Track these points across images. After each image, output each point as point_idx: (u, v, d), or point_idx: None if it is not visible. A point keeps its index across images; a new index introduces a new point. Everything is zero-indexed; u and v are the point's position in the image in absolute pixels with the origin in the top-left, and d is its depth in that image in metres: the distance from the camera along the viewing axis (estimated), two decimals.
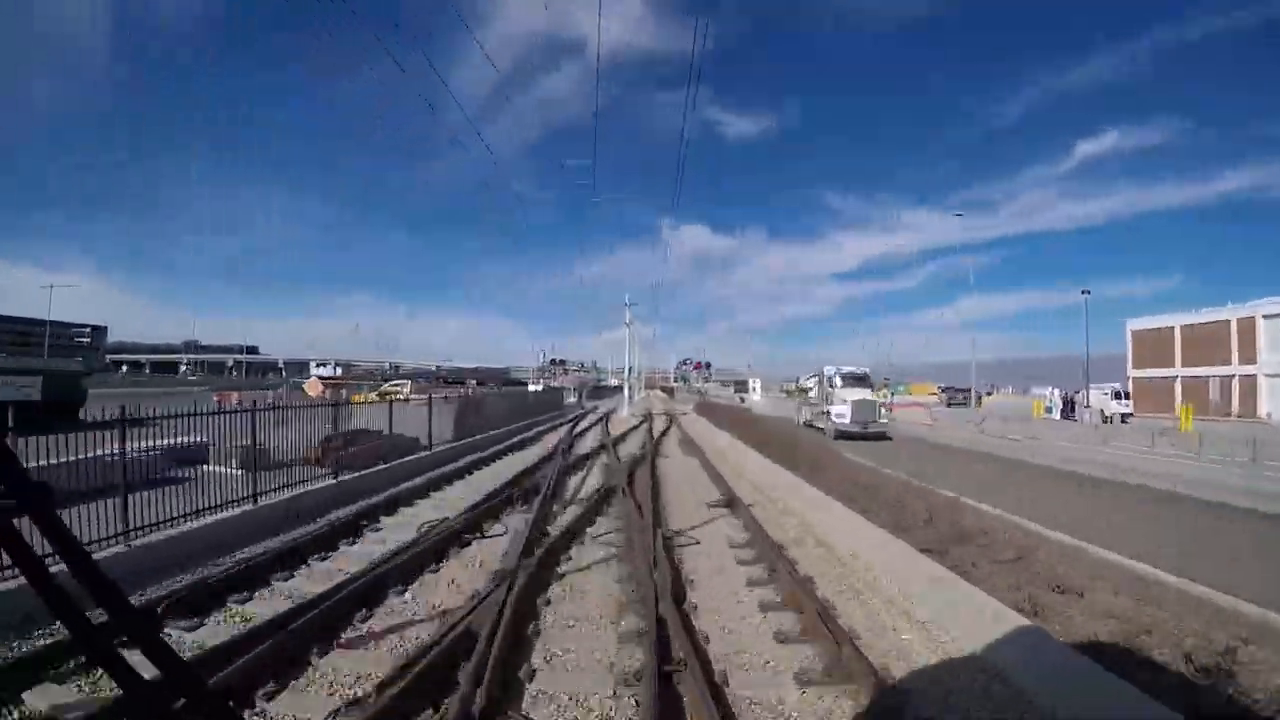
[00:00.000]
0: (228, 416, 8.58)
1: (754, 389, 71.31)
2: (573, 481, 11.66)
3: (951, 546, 7.90)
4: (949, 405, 53.68)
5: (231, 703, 3.17)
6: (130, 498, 6.35)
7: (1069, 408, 40.00)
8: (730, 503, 9.64)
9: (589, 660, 4.46)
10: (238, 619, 5.16)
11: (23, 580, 1.14)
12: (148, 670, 0.92)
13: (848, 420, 23.74)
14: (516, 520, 8.35)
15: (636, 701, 3.87)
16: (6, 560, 3.64)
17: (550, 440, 19.58)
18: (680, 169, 57.74)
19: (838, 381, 27.21)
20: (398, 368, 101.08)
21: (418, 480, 11.04)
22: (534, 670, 4.32)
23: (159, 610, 4.90)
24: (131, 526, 6.31)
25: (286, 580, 6.10)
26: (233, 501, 7.78)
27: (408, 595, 5.76)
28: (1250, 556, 8.08)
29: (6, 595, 4.61)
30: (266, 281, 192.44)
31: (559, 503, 9.65)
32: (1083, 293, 42.62)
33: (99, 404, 8.67)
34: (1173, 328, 43.56)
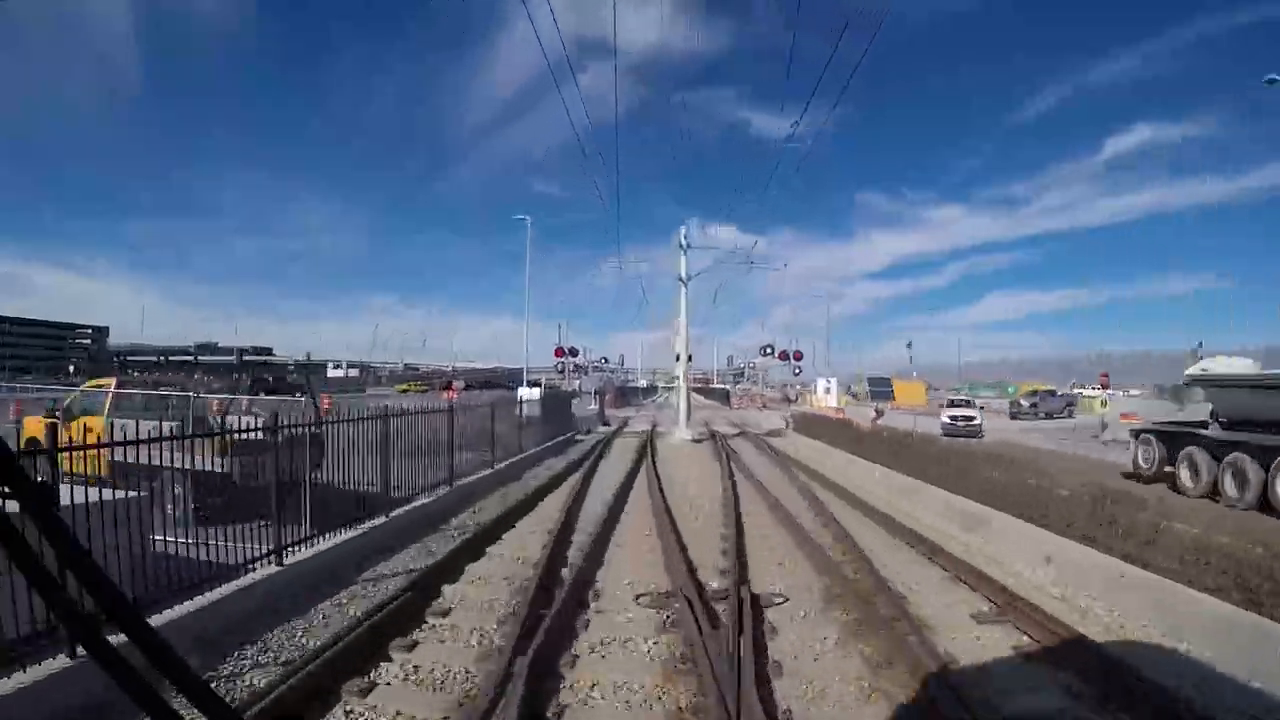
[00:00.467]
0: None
1: (826, 389, 55.58)
2: None
3: None
4: (1025, 412, 41.17)
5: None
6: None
7: None
8: None
9: None
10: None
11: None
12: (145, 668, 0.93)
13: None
14: None
15: None
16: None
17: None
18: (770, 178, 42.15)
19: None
20: (415, 369, 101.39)
21: None
22: None
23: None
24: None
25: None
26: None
27: None
28: None
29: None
30: (281, 283, 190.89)
31: None
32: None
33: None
34: None
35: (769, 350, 48.73)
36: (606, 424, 29.82)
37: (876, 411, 32.95)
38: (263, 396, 10.57)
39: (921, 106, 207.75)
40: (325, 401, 15.79)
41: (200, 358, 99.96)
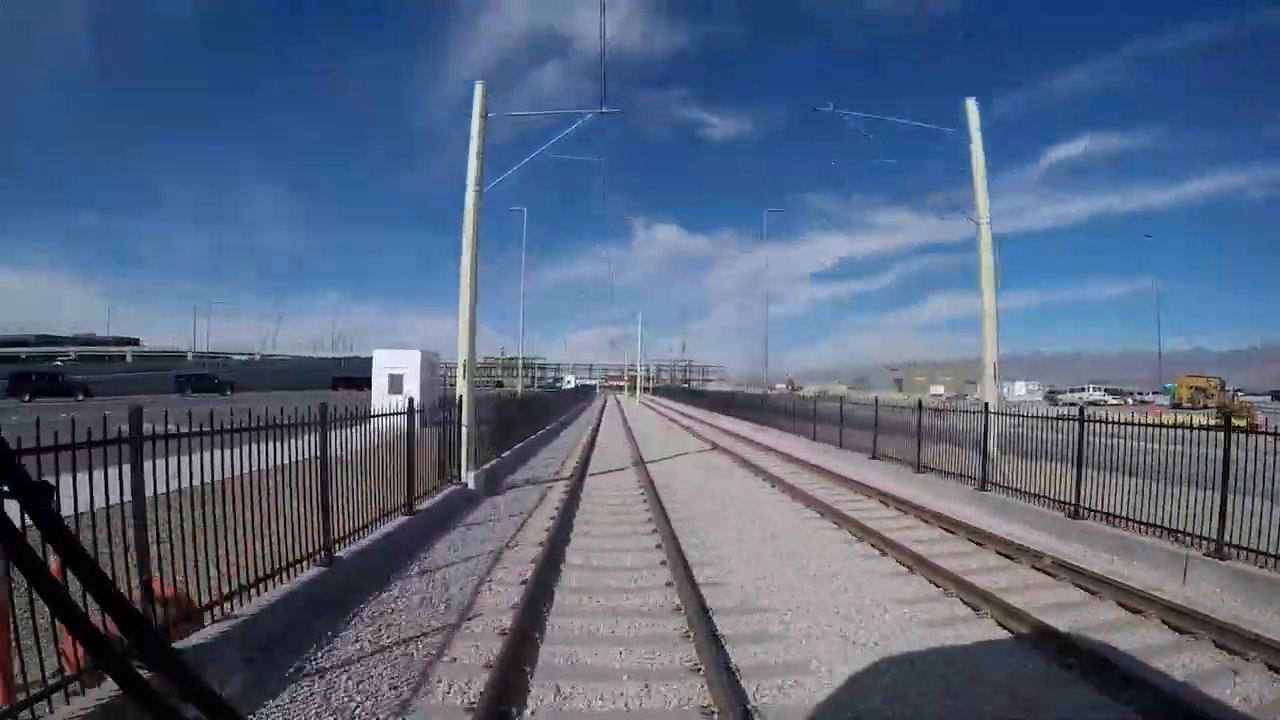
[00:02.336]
0: None
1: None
2: None
3: None
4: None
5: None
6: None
7: None
8: None
9: None
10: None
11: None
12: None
13: None
14: None
15: None
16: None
17: None
18: None
19: None
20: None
21: None
22: None
23: None
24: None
25: None
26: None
27: None
28: None
29: None
30: (228, 278, 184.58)
31: None
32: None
33: None
34: None
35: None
36: None
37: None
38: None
39: (875, 110, 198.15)
40: None
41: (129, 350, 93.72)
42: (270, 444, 5.42)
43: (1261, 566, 6.08)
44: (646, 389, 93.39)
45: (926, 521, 9.22)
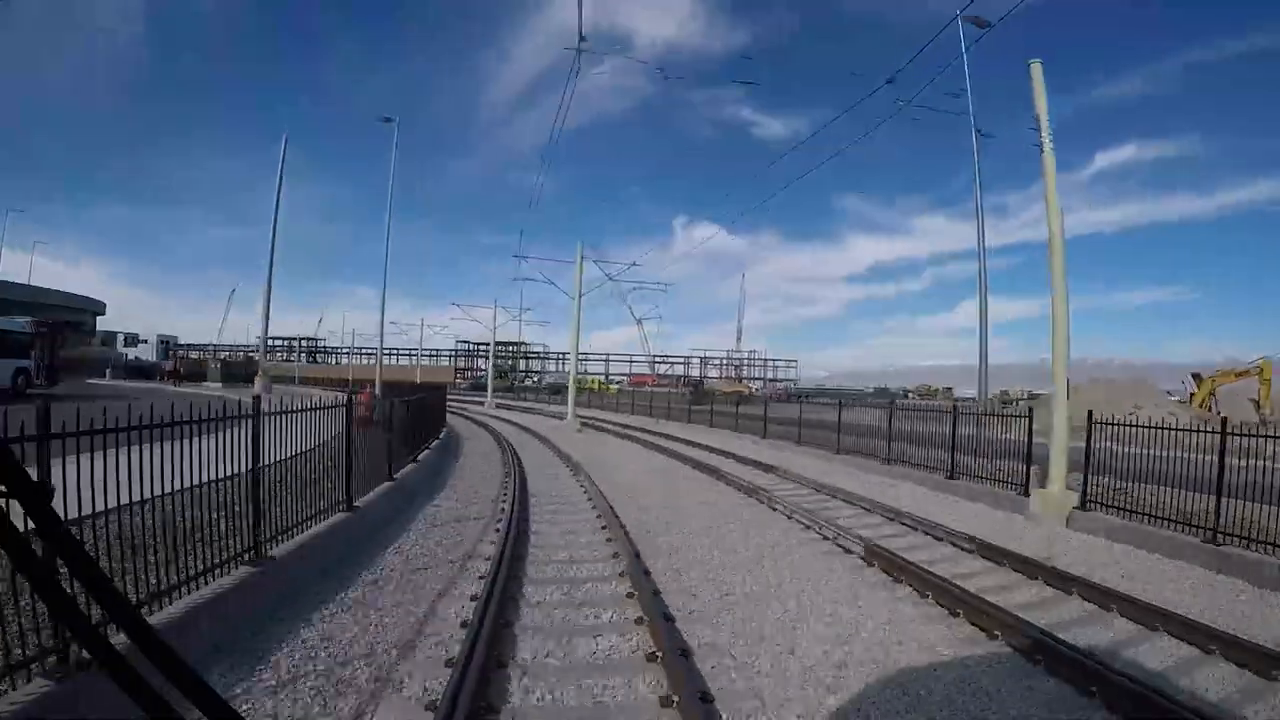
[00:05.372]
0: None
1: None
2: None
3: None
4: None
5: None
6: None
7: None
8: None
9: None
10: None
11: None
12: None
13: None
14: None
15: None
16: None
17: None
18: None
19: None
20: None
21: None
22: None
23: None
24: None
25: None
26: None
27: None
28: None
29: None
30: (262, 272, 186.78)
31: None
32: None
33: None
34: None
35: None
36: None
37: None
38: None
39: (918, 114, 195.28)
40: None
41: None
42: None
43: None
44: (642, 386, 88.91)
45: None
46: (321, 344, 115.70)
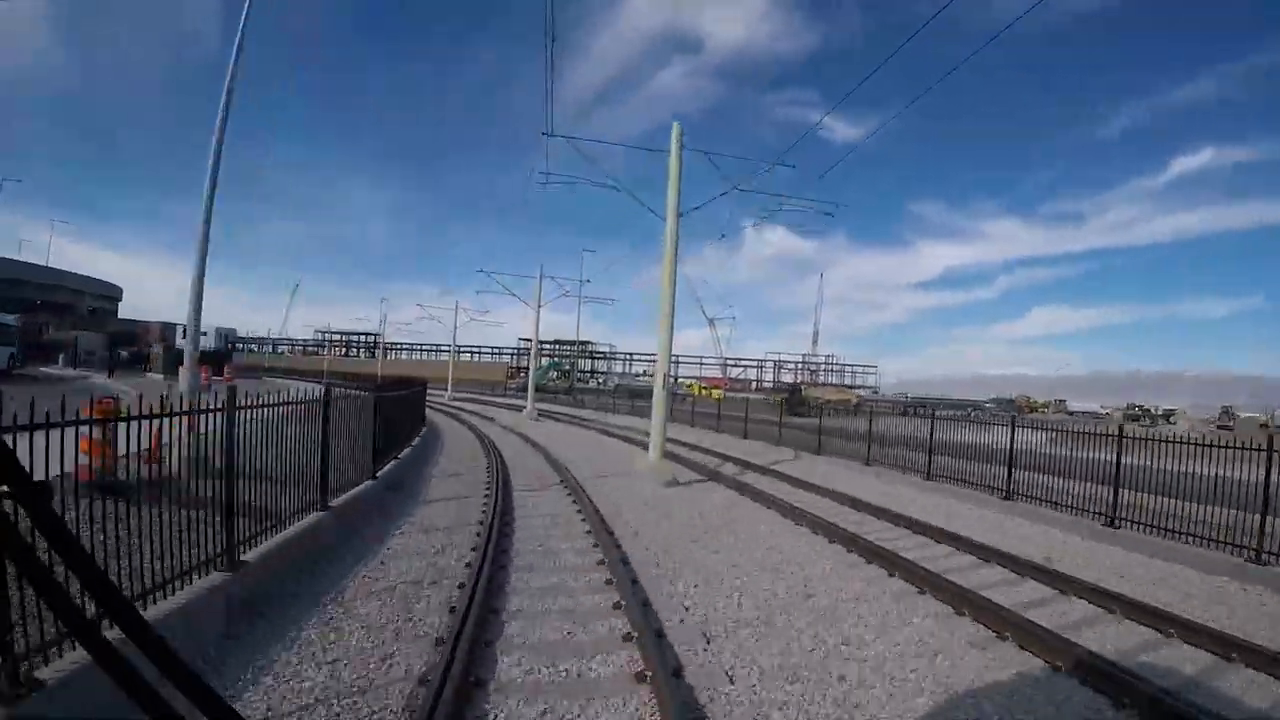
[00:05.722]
0: None
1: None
2: None
3: None
4: None
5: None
6: None
7: None
8: None
9: None
10: None
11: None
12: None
13: None
14: None
15: None
16: None
17: None
18: None
19: None
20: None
21: None
22: None
23: None
24: None
25: None
26: None
27: None
28: None
29: None
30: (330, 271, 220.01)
31: None
32: None
33: None
34: None
35: None
36: None
37: None
38: None
39: (990, 118, 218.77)
40: None
41: None
42: None
43: None
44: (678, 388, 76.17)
45: None
46: (377, 339, 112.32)
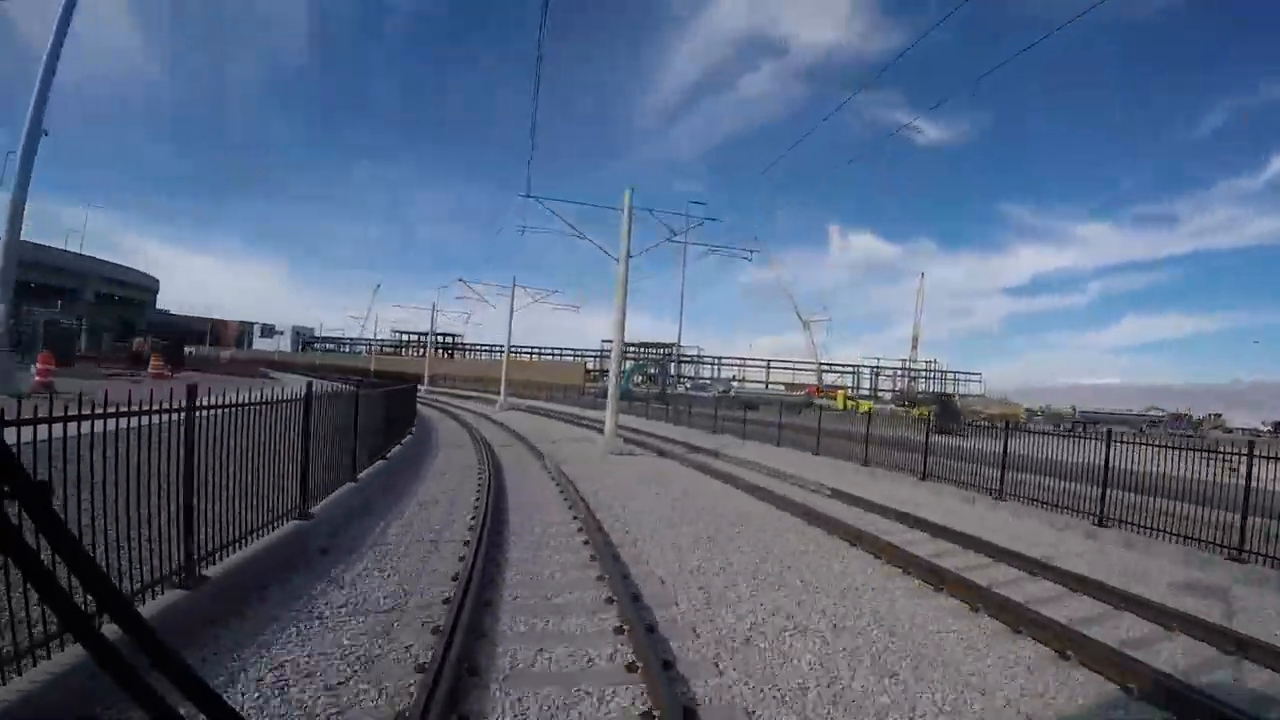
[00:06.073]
0: None
1: None
2: None
3: None
4: None
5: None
6: None
7: None
8: None
9: None
10: None
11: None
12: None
13: None
14: None
15: None
16: None
17: None
18: None
19: None
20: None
21: None
22: None
23: None
24: None
25: None
26: None
27: None
28: None
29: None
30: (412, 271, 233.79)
31: None
32: None
33: None
34: None
35: None
36: None
37: None
38: None
39: (1078, 118, 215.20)
40: None
41: None
42: None
43: None
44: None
45: None
46: (456, 339, 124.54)
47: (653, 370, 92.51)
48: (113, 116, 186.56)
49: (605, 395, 48.71)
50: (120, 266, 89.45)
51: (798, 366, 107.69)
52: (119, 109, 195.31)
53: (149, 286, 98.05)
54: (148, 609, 4.91)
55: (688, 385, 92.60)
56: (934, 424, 23.78)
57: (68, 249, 76.99)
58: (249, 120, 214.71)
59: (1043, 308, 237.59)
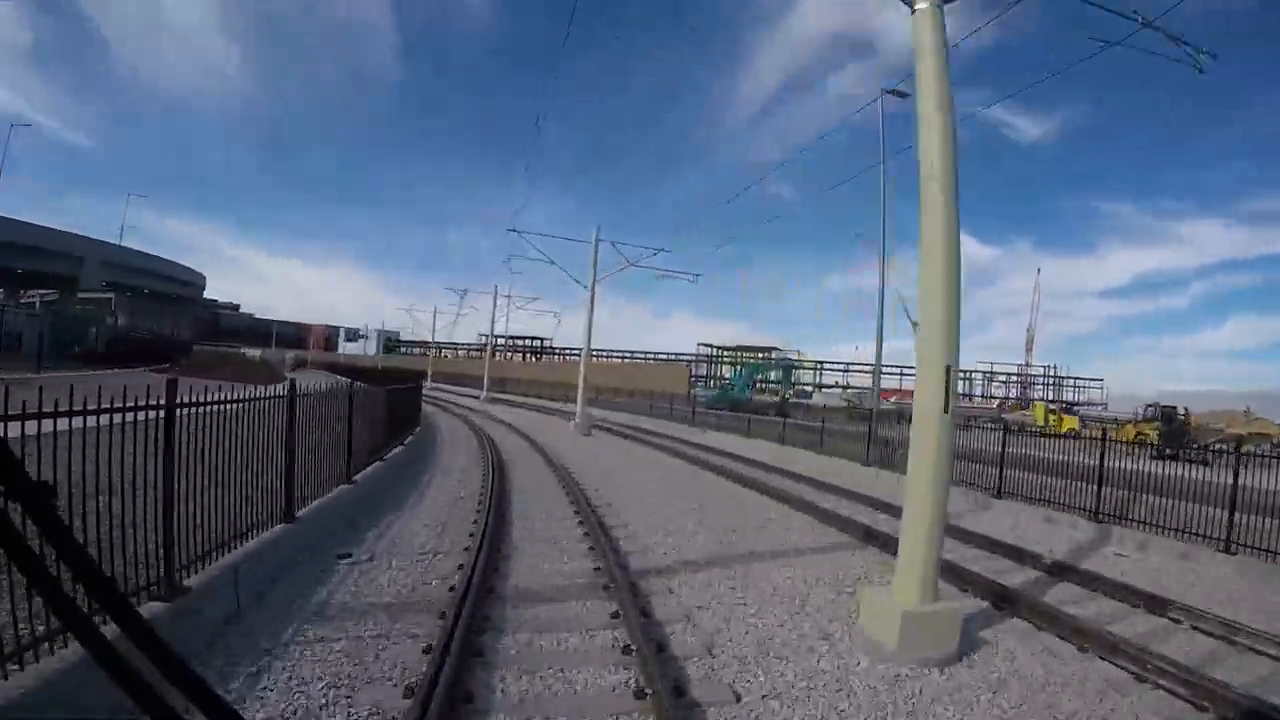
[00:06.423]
0: None
1: None
2: None
3: None
4: None
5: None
6: None
7: None
8: None
9: None
10: None
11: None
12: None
13: None
14: None
15: None
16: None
17: None
18: None
19: None
20: None
21: None
22: None
23: None
24: None
25: None
26: None
27: None
28: None
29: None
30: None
31: None
32: None
33: None
34: None
35: None
36: None
37: None
38: None
39: (1182, 109, 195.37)
40: None
41: None
42: None
43: None
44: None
45: None
46: (544, 342, 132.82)
47: (776, 376, 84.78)
48: (213, 131, 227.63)
49: (716, 408, 43.52)
50: (175, 263, 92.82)
51: (905, 372, 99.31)
52: (219, 125, 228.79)
53: (196, 281, 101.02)
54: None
55: (791, 393, 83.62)
56: (1163, 447, 17.53)
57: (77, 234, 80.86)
58: (341, 132, 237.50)
59: (1140, 311, 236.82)
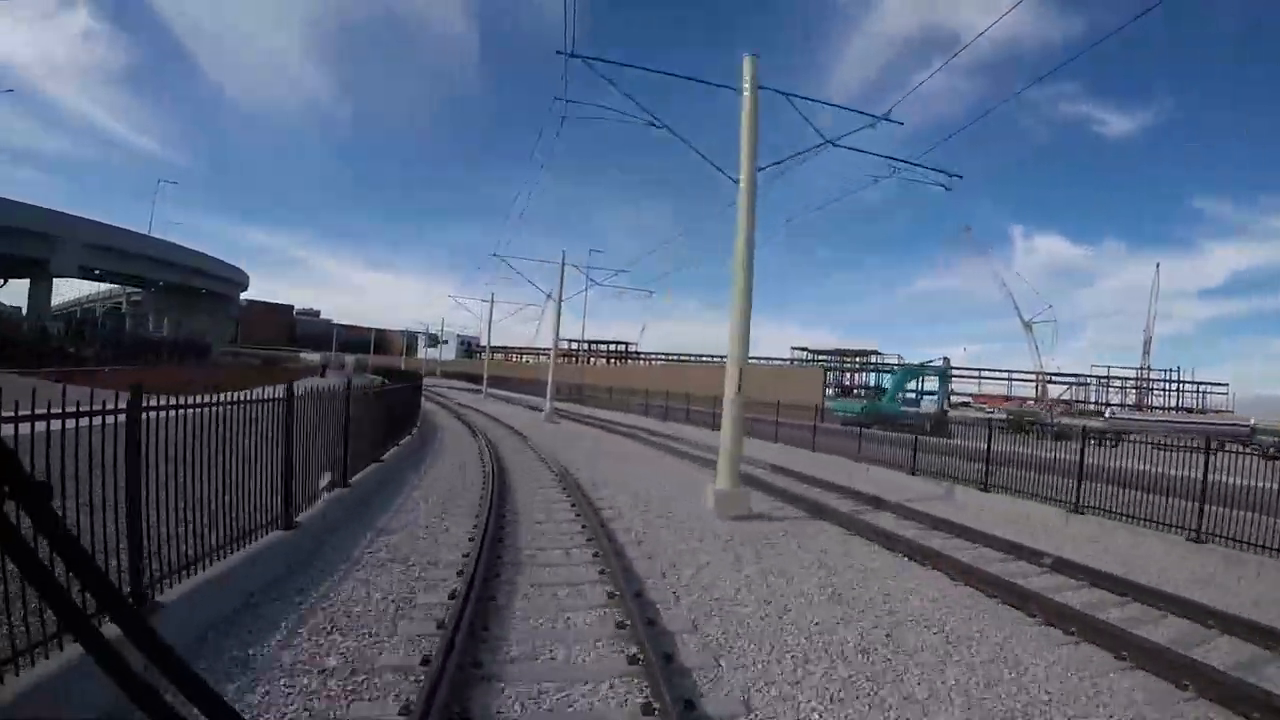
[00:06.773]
0: None
1: None
2: None
3: None
4: None
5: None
6: None
7: None
8: None
9: None
10: None
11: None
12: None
13: None
14: None
15: None
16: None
17: None
18: None
19: None
20: None
21: None
22: None
23: None
24: None
25: None
26: None
27: None
28: None
29: None
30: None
31: None
32: None
33: None
34: None
35: None
36: None
37: None
38: None
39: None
40: None
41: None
42: None
43: None
44: None
45: None
46: (630, 346, 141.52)
47: (934, 388, 67.20)
48: (297, 143, 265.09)
49: (859, 424, 27.57)
50: (219, 261, 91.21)
51: (1014, 376, 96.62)
52: (300, 136, 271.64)
53: (239, 280, 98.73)
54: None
55: (902, 400, 69.03)
56: None
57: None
58: (420, 143, 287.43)
59: (1239, 311, 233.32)
